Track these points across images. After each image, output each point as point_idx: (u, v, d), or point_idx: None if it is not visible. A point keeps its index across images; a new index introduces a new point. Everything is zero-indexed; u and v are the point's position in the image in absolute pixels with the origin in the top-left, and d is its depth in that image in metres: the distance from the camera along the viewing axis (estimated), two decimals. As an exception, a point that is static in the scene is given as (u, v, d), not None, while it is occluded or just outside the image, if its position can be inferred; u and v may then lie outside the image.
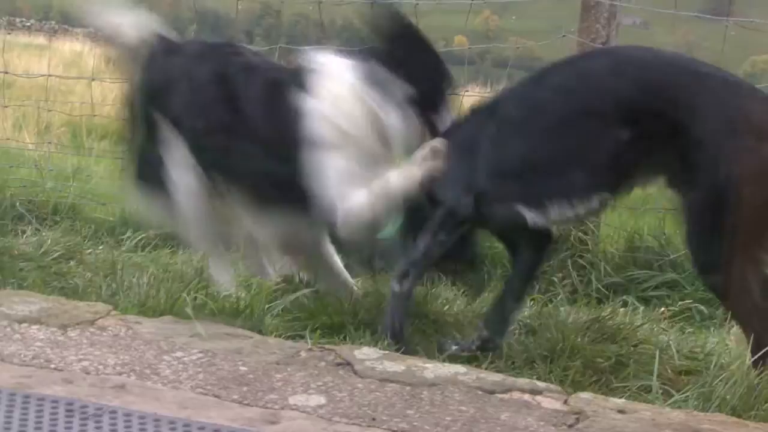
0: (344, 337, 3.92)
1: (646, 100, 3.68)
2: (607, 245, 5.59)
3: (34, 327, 3.56)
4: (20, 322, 3.60)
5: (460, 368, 3.44)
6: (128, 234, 5.92)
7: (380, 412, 3.04)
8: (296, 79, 4.16)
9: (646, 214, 5.98)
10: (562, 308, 4.48)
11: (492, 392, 3.25)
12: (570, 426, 3.03)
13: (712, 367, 3.63)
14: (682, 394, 3.48)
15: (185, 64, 4.44)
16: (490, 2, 7.32)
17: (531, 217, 3.82)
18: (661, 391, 3.56)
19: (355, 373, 3.35)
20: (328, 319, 3.99)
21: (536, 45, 7.89)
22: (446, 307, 4.38)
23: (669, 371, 3.75)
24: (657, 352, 3.76)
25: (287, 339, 3.77)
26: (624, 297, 5.01)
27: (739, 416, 3.25)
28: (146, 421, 2.83)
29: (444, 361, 3.63)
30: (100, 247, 5.37)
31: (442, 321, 4.24)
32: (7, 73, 8.47)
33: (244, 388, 3.14)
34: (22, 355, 3.27)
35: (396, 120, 4.08)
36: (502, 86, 6.68)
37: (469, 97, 6.74)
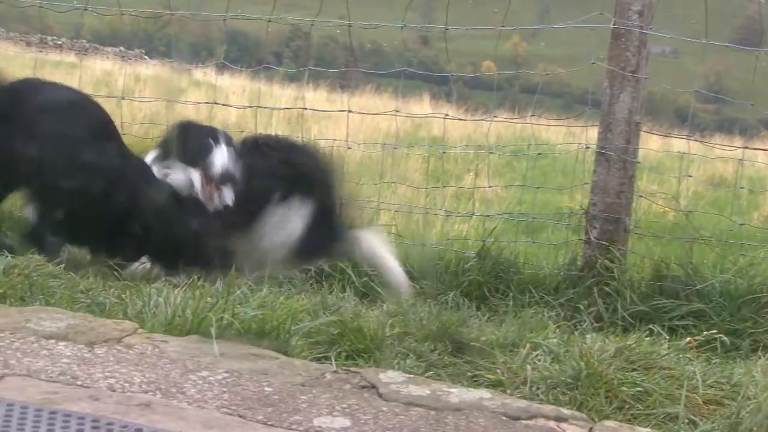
0: (369, 360, 3.92)
1: None
2: (633, 273, 5.58)
3: (62, 343, 3.57)
4: (48, 338, 3.61)
5: (485, 393, 3.44)
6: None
7: (405, 435, 3.03)
8: None
9: (673, 242, 5.97)
10: (587, 336, 4.47)
11: (517, 418, 3.24)
12: (595, 454, 3.02)
13: (739, 398, 3.61)
14: (709, 424, 3.46)
15: None
16: (518, 28, 7.31)
17: None
18: (686, 421, 3.54)
19: (380, 396, 3.35)
20: (354, 342, 3.99)
21: (565, 72, 7.89)
22: (473, 332, 4.37)
23: (695, 401, 3.73)
24: (684, 382, 3.75)
25: (313, 361, 3.77)
26: (650, 326, 4.99)
27: (766, 447, 3.23)
28: (171, 440, 2.84)
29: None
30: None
31: (469, 347, 4.23)
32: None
33: (269, 409, 3.14)
34: (49, 371, 3.28)
35: None
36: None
37: (497, 122, 6.73)
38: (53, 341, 3.58)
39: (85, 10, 7.37)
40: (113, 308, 4.34)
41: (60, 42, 33.18)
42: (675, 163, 8.66)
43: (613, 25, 5.79)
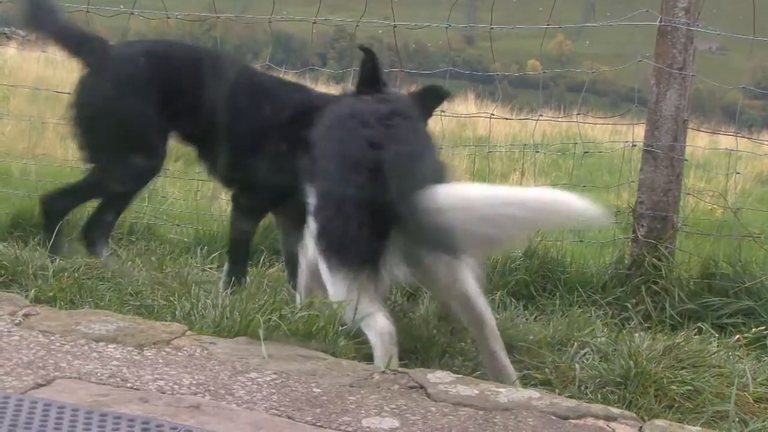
0: (417, 360, 3.92)
1: None
2: (681, 271, 5.55)
3: (111, 346, 3.60)
4: (97, 341, 3.63)
5: (533, 393, 3.43)
6: (203, 254, 5.98)
7: (453, 436, 3.03)
8: None
9: (722, 240, 5.94)
10: (635, 334, 4.45)
11: (566, 418, 3.23)
12: (645, 453, 3.00)
13: (790, 396, 3.59)
14: (760, 422, 3.44)
15: None
16: (564, 27, 7.28)
17: None
18: (737, 419, 3.52)
19: (428, 396, 3.35)
20: (401, 342, 3.99)
21: (611, 70, 7.85)
22: (521, 332, 4.37)
23: (746, 399, 3.71)
24: (734, 380, 3.73)
25: (360, 361, 3.78)
26: (699, 324, 4.97)
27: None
28: (221, 441, 2.85)
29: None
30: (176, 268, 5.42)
31: (517, 346, 4.23)
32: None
33: (318, 410, 3.14)
34: (99, 374, 3.30)
35: None
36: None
37: (543, 121, 6.70)
38: (103, 344, 3.61)
39: (132, 14, 7.41)
40: (162, 310, 4.36)
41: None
42: (723, 161, 8.59)
43: (660, 22, 5.76)
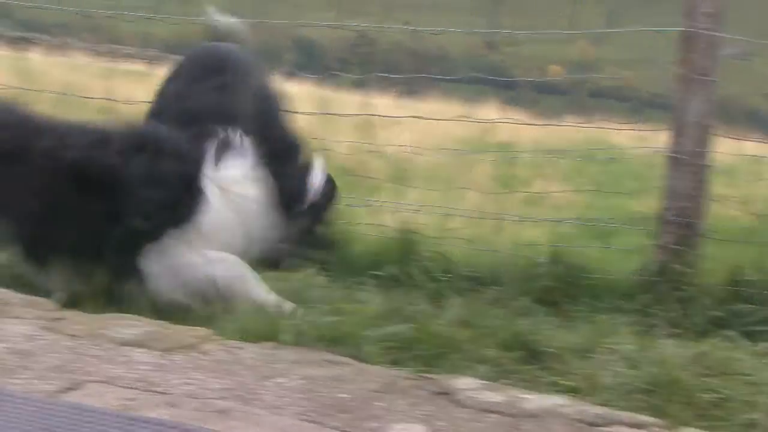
0: (443, 366, 3.91)
1: None
2: (707, 278, 5.53)
3: (139, 350, 3.60)
4: (125, 345, 3.64)
5: (561, 399, 3.42)
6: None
7: (481, 442, 3.03)
8: None
9: (748, 247, 5.91)
10: (663, 341, 4.43)
11: (594, 425, 3.22)
12: (675, 461, 2.99)
13: (820, 404, 3.56)
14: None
15: None
16: (586, 32, 7.29)
17: None
18: (767, 428, 3.50)
19: (456, 402, 3.34)
20: (428, 348, 3.99)
21: (634, 75, 7.85)
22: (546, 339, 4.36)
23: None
24: (763, 388, 3.71)
25: (386, 366, 3.77)
26: (726, 331, 4.94)
27: None
28: (249, 446, 2.85)
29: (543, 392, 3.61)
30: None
31: (543, 353, 4.22)
32: (110, 99, 8.61)
33: (345, 416, 3.14)
34: (126, 378, 3.31)
35: None
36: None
37: (566, 127, 6.69)
38: (130, 348, 3.62)
39: (155, 19, 7.44)
40: (188, 315, 4.37)
41: (130, 51, 33.52)
42: (748, 167, 8.56)
43: (683, 28, 5.75)
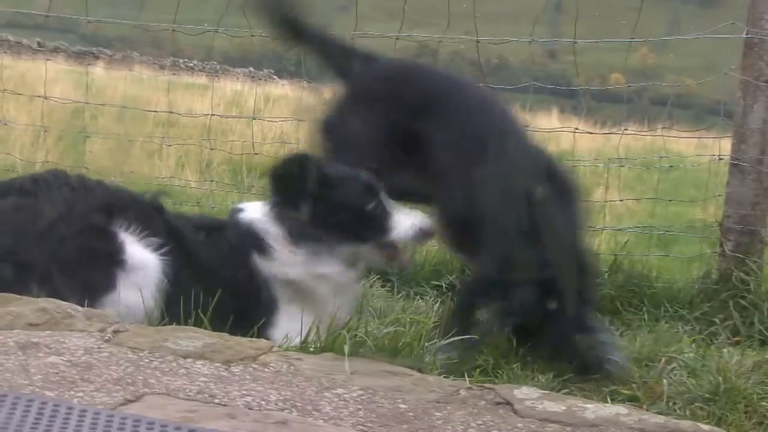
0: (503, 376, 3.90)
1: None
2: (770, 286, 5.49)
3: (199, 362, 3.62)
4: (185, 357, 3.66)
5: (621, 409, 3.40)
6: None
7: (541, 452, 3.02)
8: None
9: (811, 254, 5.85)
10: (724, 350, 4.40)
11: (655, 435, 3.20)
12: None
13: None
14: None
15: None
16: (648, 40, 7.24)
17: None
18: (829, 437, 3.47)
19: (515, 412, 3.33)
20: (487, 358, 3.98)
21: (696, 83, 7.79)
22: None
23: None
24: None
25: (446, 377, 3.77)
26: (788, 340, 4.91)
27: None
28: (308, 457, 2.86)
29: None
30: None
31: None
32: (171, 112, 8.69)
33: (405, 426, 3.14)
34: (187, 390, 3.33)
35: None
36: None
37: (627, 135, 6.66)
38: (190, 360, 3.63)
39: (216, 32, 7.49)
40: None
41: (191, 64, 33.79)
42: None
43: (746, 34, 5.71)
